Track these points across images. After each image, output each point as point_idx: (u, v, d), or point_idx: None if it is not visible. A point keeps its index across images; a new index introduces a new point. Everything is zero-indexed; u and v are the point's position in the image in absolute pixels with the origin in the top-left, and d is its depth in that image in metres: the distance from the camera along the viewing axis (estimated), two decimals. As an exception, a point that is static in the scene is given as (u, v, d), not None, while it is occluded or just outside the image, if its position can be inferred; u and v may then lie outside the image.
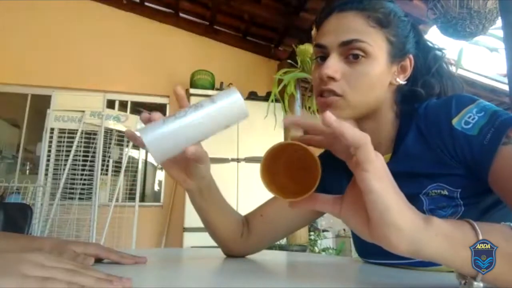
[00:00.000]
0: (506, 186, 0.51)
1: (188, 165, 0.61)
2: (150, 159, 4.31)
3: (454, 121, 0.57)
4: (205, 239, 0.77)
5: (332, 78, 0.61)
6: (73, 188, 3.26)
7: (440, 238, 0.35)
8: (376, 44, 0.62)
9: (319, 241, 3.76)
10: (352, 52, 0.61)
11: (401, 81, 0.66)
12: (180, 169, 0.62)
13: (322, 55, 0.65)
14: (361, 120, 0.66)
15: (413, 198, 0.61)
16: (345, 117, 0.63)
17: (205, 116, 0.51)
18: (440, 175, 0.59)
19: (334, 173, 0.78)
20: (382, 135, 0.68)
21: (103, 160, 3.45)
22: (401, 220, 0.35)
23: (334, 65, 0.61)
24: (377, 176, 0.36)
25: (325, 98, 0.63)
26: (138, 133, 0.49)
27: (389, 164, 0.66)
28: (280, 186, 0.43)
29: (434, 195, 0.60)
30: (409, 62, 0.67)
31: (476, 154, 0.54)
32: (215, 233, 0.75)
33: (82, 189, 3.28)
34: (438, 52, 0.73)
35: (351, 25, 0.62)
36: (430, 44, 0.73)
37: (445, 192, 0.59)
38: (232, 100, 0.52)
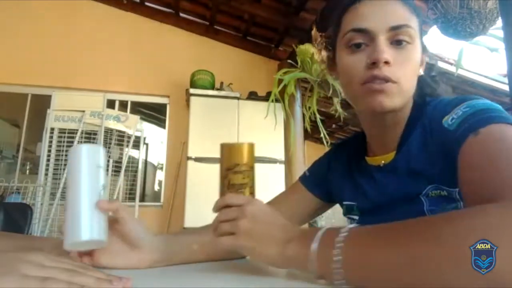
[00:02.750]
0: (462, 174, 0.50)
1: (127, 238, 0.57)
2: (151, 159, 4.31)
3: (444, 119, 0.57)
4: (205, 239, 0.77)
5: (386, 63, 0.58)
6: (73, 188, 3.26)
7: (293, 260, 0.46)
8: (416, 31, 0.61)
9: (319, 241, 3.76)
10: (398, 38, 0.59)
11: (422, 72, 0.66)
12: (124, 254, 0.57)
13: (361, 41, 0.61)
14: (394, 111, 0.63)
15: (414, 199, 0.61)
16: (397, 105, 0.60)
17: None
18: (437, 176, 0.59)
19: (337, 174, 0.78)
20: (398, 129, 0.66)
21: (103, 160, 3.45)
22: (266, 261, 0.49)
23: (387, 50, 0.59)
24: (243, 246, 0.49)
25: (382, 85, 0.59)
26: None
27: (393, 161, 0.65)
28: None
29: (434, 195, 0.60)
30: (425, 55, 0.67)
31: (450, 149, 0.54)
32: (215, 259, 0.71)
33: (82, 189, 3.27)
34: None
35: (397, 11, 0.61)
36: None
37: (445, 193, 0.59)
38: (78, 155, 0.52)
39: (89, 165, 0.51)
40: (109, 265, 0.56)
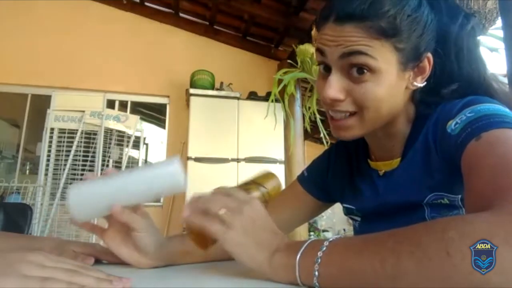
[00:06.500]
0: (464, 180, 0.48)
1: (135, 242, 0.57)
2: (151, 159, 4.31)
3: (448, 124, 0.54)
4: (205, 239, 0.77)
5: (336, 101, 0.57)
6: (73, 188, 3.26)
7: (278, 270, 0.44)
8: (382, 56, 0.54)
9: (319, 241, 3.76)
10: (355, 66, 0.55)
11: (419, 83, 0.59)
12: (130, 248, 0.58)
13: (323, 63, 0.59)
14: (376, 129, 0.62)
15: (415, 207, 0.60)
16: (362, 133, 0.60)
17: (137, 180, 0.51)
18: (439, 184, 0.58)
19: (338, 174, 0.78)
20: (397, 138, 0.64)
21: (103, 160, 3.45)
22: (252, 265, 0.46)
23: (336, 84, 0.56)
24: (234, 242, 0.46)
25: (338, 121, 0.59)
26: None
27: (395, 170, 0.64)
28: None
29: (436, 203, 0.59)
30: (427, 62, 0.58)
31: (452, 155, 0.52)
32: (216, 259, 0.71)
33: (82, 189, 3.28)
34: (465, 24, 0.60)
35: (350, 39, 0.54)
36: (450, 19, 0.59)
37: (446, 201, 0.58)
38: (169, 170, 0.52)
39: (158, 182, 0.52)
40: (112, 248, 0.58)
